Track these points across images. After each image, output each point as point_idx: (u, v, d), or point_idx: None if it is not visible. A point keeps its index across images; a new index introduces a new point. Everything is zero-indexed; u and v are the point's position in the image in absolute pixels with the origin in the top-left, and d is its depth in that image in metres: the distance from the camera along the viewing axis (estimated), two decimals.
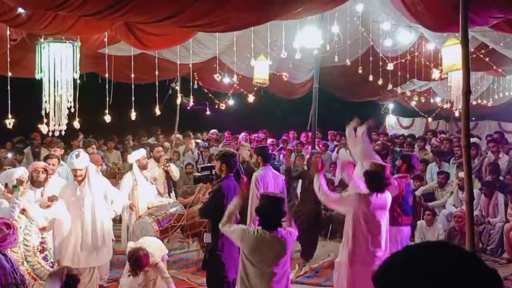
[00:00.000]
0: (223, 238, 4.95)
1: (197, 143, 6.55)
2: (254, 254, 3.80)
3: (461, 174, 7.12)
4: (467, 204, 3.19)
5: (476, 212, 7.68)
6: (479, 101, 14.85)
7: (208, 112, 11.10)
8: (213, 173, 5.39)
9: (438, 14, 4.60)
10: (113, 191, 6.20)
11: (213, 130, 12.41)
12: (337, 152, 11.52)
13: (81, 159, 5.65)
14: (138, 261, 4.87)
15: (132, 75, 6.53)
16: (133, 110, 6.39)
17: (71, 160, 5.70)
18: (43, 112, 4.97)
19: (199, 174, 5.57)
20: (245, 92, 9.70)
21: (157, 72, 7.09)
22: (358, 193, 4.67)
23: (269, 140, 12.87)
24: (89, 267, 5.74)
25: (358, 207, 4.55)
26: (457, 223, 7.54)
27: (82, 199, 5.68)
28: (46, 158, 6.42)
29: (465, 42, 3.23)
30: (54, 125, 4.94)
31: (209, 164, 5.91)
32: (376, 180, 4.62)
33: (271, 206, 3.89)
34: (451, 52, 6.85)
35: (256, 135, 13.76)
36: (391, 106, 17.57)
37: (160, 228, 6.24)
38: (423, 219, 8.30)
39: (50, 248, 5.26)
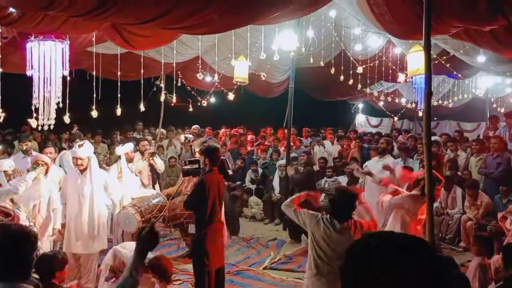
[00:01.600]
0: (206, 229, 4.95)
1: (186, 138, 6.50)
2: (323, 240, 3.83)
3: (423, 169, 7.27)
4: (428, 196, 3.27)
5: (436, 204, 7.85)
6: (440, 102, 15.10)
7: (191, 109, 11.03)
8: (201, 166, 5.35)
9: (404, 23, 4.67)
10: (112, 184, 6.14)
11: (195, 126, 12.36)
12: (312, 149, 11.61)
13: (83, 149, 5.64)
14: (166, 269, 4.09)
15: (119, 73, 6.45)
16: (118, 106, 6.32)
17: (74, 149, 5.72)
18: (33, 107, 4.90)
19: (188, 167, 5.50)
20: (226, 90, 9.67)
21: (142, 70, 7.03)
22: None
23: (249, 137, 12.92)
24: (89, 253, 5.70)
25: None
26: None
27: (82, 188, 5.66)
28: (43, 148, 6.42)
29: (427, 48, 3.31)
30: (43, 119, 4.86)
31: (196, 158, 5.87)
32: None
33: (344, 198, 3.93)
34: (415, 57, 6.97)
35: (235, 129, 13.78)
36: (360, 105, 17.75)
37: (143, 219, 6.20)
38: None
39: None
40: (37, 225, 5.46)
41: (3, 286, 2.10)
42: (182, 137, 6.89)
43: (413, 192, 4.63)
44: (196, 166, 5.41)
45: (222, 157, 5.35)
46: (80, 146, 5.68)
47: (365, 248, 1.23)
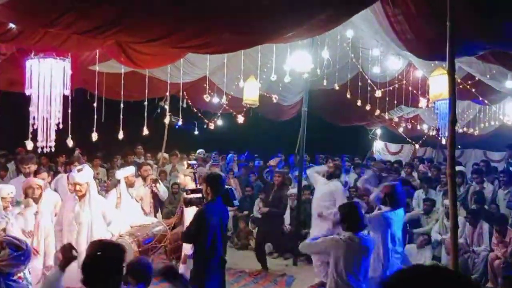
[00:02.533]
0: (206, 265, 4.89)
1: (189, 164, 6.52)
2: (346, 259, 4.31)
3: (447, 202, 7.21)
4: (452, 231, 3.23)
5: (461, 240, 7.73)
6: (465, 129, 15.04)
7: (196, 132, 11.10)
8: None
9: (426, 43, 4.71)
10: (111, 212, 6.14)
11: (200, 150, 12.41)
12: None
13: (83, 173, 5.66)
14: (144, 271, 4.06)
15: (122, 93, 6.53)
16: (121, 129, 6.38)
17: (72, 174, 5.73)
18: (30, 128, 4.96)
19: (190, 196, 5.45)
20: (235, 113, 9.74)
21: (146, 90, 7.12)
22: None
23: (256, 162, 12.92)
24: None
25: None
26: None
27: (80, 216, 5.65)
28: (36, 173, 6.42)
29: (451, 72, 3.32)
30: (42, 141, 4.91)
31: (199, 187, 5.83)
32: None
33: (355, 210, 4.52)
34: (438, 81, 6.97)
35: (243, 155, 13.79)
36: (379, 131, 17.73)
37: (140, 249, 6.15)
38: (410, 242, 8.39)
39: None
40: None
41: None
42: (185, 164, 6.88)
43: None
44: (199, 195, 5.39)
45: (226, 187, 5.34)
46: (79, 170, 5.70)
47: (407, 280, 1.33)
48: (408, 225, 8.82)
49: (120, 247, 2.92)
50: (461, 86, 7.78)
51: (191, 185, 6.43)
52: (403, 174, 11.04)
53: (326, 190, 7.43)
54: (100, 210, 5.85)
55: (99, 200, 5.99)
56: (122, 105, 6.46)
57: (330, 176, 7.60)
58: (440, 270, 1.37)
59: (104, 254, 2.78)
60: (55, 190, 7.44)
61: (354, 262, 4.41)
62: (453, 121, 3.23)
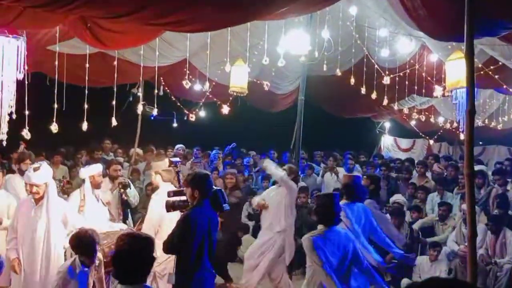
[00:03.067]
0: (191, 279, 4.87)
1: (172, 162, 6.40)
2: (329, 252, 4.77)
3: (465, 206, 7.25)
4: (469, 240, 3.24)
5: (481, 251, 7.79)
6: (487, 122, 15.13)
7: (175, 124, 11.05)
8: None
9: (441, 21, 4.72)
10: (74, 217, 6.08)
11: (178, 146, 12.37)
12: (322, 177, 11.59)
13: (40, 173, 5.61)
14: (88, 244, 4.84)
15: (86, 77, 6.49)
16: (85, 119, 6.33)
17: (27, 173, 5.67)
18: None
19: (173, 199, 5.40)
20: (219, 102, 9.72)
21: (116, 75, 7.07)
22: None
23: (245, 160, 12.92)
24: None
25: None
26: (462, 263, 7.58)
27: (36, 223, 5.61)
28: None
29: (470, 54, 3.32)
30: None
31: (183, 189, 5.80)
32: None
33: (330, 202, 5.01)
34: (455, 66, 7.00)
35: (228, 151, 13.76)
36: (387, 125, 17.79)
37: (105, 260, 6.11)
38: (422, 254, 8.42)
39: None
40: None
41: None
42: (166, 162, 6.75)
43: None
44: (183, 198, 5.37)
45: (215, 188, 5.32)
46: (35, 169, 5.64)
47: None
48: (420, 233, 8.88)
49: (149, 239, 3.34)
50: (482, 72, 7.82)
51: (165, 186, 6.41)
52: (415, 174, 11.10)
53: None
54: (60, 215, 5.81)
55: (59, 203, 5.94)
56: (87, 92, 6.40)
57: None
58: (457, 283, 1.38)
59: (133, 248, 3.18)
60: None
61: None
62: (471, 111, 3.24)
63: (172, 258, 6.21)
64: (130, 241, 3.22)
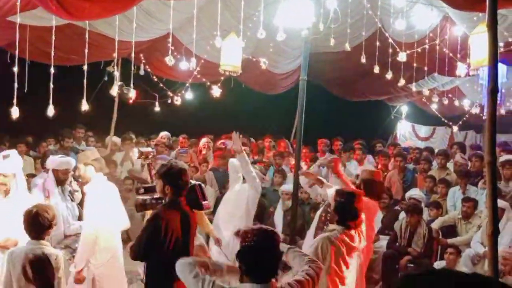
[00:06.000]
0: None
1: (141, 153, 6.38)
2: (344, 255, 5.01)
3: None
4: (490, 238, 3.26)
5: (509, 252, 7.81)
6: None
7: (157, 108, 11.06)
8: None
9: None
10: None
11: (163, 133, 12.39)
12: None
13: (9, 161, 5.63)
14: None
15: (52, 54, 6.48)
16: (51, 102, 6.33)
17: None
18: None
19: (144, 197, 5.37)
20: (209, 83, 9.73)
21: (87, 51, 7.06)
22: None
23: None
24: None
25: None
26: (503, 266, 7.55)
27: (3, 218, 5.65)
28: None
29: (492, 25, 3.32)
30: None
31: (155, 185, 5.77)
32: None
33: (350, 201, 5.22)
34: (481, 41, 6.99)
35: (222, 141, 13.78)
36: (404, 109, 17.83)
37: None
38: (442, 259, 8.45)
39: None
40: None
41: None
42: (95, 150, 6.72)
43: None
44: (157, 195, 5.35)
45: (193, 183, 5.31)
46: (5, 157, 5.69)
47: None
48: (440, 233, 8.92)
49: (276, 235, 3.58)
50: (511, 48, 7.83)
51: (98, 177, 6.42)
52: (435, 165, 11.13)
53: None
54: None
55: (29, 197, 5.98)
56: (53, 71, 6.40)
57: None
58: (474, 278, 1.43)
59: (260, 244, 3.43)
60: None
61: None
62: (493, 90, 3.25)
63: (115, 260, 6.27)
64: (258, 235, 3.47)
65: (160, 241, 4.79)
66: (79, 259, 6.10)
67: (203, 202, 5.36)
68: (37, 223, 4.94)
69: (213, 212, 8.97)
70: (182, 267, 3.80)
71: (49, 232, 5.10)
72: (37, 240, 4.99)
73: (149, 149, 6.42)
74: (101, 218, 6.12)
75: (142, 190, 5.46)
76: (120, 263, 6.44)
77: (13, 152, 5.92)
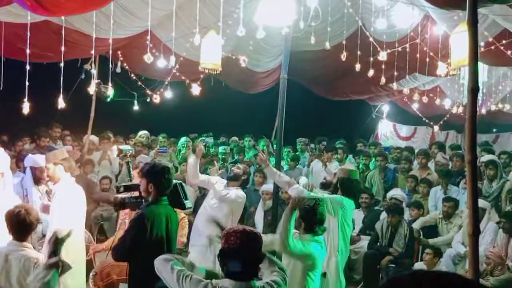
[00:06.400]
0: None
1: (121, 150, 6.36)
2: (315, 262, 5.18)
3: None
4: (471, 238, 3.29)
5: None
6: (500, 106, 15.26)
7: (136, 107, 11.01)
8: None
9: None
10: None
11: (142, 132, 12.34)
12: (309, 166, 11.67)
13: None
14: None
15: (28, 51, 6.42)
16: (26, 99, 6.28)
17: None
18: None
19: (123, 195, 5.38)
20: (188, 81, 9.70)
21: (63, 48, 7.01)
22: None
23: (221, 148, 12.90)
24: None
25: None
26: (486, 265, 7.60)
27: None
28: None
29: (472, 22, 3.34)
30: None
31: (137, 182, 5.74)
32: None
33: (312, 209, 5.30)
34: (462, 41, 7.04)
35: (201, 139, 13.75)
36: (385, 108, 17.92)
37: None
38: (421, 260, 8.49)
39: None
40: None
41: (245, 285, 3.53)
42: (115, 150, 6.70)
43: None
44: (136, 194, 5.34)
45: (174, 182, 5.30)
46: None
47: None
48: (421, 233, 8.98)
49: (258, 235, 3.74)
50: (493, 48, 7.90)
51: (67, 177, 6.36)
52: (416, 165, 11.20)
53: None
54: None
55: (13, 198, 5.92)
56: (28, 68, 6.34)
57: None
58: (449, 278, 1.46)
59: (242, 246, 3.57)
60: None
61: None
62: (473, 89, 3.27)
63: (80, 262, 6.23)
64: (241, 238, 3.60)
65: (146, 240, 4.79)
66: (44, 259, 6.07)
67: (185, 201, 5.38)
68: (22, 224, 4.84)
69: (194, 212, 8.99)
70: (159, 263, 3.87)
71: (31, 233, 5.03)
72: (20, 242, 4.90)
73: (128, 147, 6.40)
74: (68, 217, 6.01)
75: (122, 189, 5.46)
76: (82, 264, 6.41)
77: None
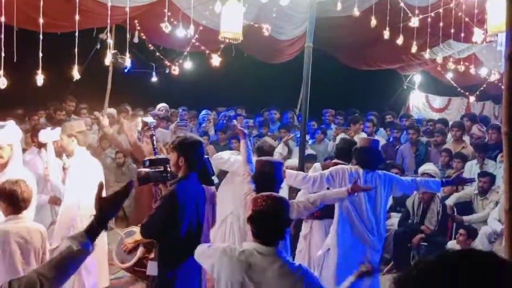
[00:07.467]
0: (177, 269, 4.87)
1: (145, 123, 6.39)
2: None
3: None
4: (507, 214, 3.25)
5: None
6: None
7: (154, 78, 11.03)
8: (169, 170, 5.28)
9: None
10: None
11: (161, 105, 12.37)
12: (334, 140, 11.63)
13: (5, 131, 5.64)
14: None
15: (41, 20, 6.44)
16: (40, 71, 6.31)
17: None
18: None
19: (147, 170, 5.38)
20: (208, 51, 9.68)
21: (78, 17, 7.02)
22: None
23: (245, 121, 12.89)
24: None
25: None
26: None
27: None
28: None
29: None
30: None
31: (162, 156, 5.73)
32: None
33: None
34: (499, 4, 6.92)
35: (223, 113, 13.77)
36: (417, 78, 17.74)
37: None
38: (455, 238, 8.46)
39: None
40: None
41: (271, 251, 3.72)
42: (82, 122, 6.74)
43: None
44: (161, 168, 5.35)
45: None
46: (0, 127, 5.67)
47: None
48: (455, 210, 8.94)
49: (285, 201, 4.01)
50: None
51: (81, 151, 6.39)
52: (450, 138, 11.11)
53: None
54: None
55: (25, 173, 5.95)
56: (41, 37, 6.36)
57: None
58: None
59: (268, 209, 3.80)
60: None
61: None
62: (511, 56, 3.21)
63: None
64: (267, 201, 3.85)
65: (177, 219, 4.81)
66: (56, 234, 6.13)
67: (212, 177, 5.40)
68: (15, 197, 4.91)
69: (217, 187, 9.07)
70: (200, 251, 4.16)
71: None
72: (16, 215, 4.97)
73: (152, 119, 6.39)
74: (84, 190, 6.02)
75: (147, 163, 5.44)
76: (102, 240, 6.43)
77: (10, 122, 5.86)
